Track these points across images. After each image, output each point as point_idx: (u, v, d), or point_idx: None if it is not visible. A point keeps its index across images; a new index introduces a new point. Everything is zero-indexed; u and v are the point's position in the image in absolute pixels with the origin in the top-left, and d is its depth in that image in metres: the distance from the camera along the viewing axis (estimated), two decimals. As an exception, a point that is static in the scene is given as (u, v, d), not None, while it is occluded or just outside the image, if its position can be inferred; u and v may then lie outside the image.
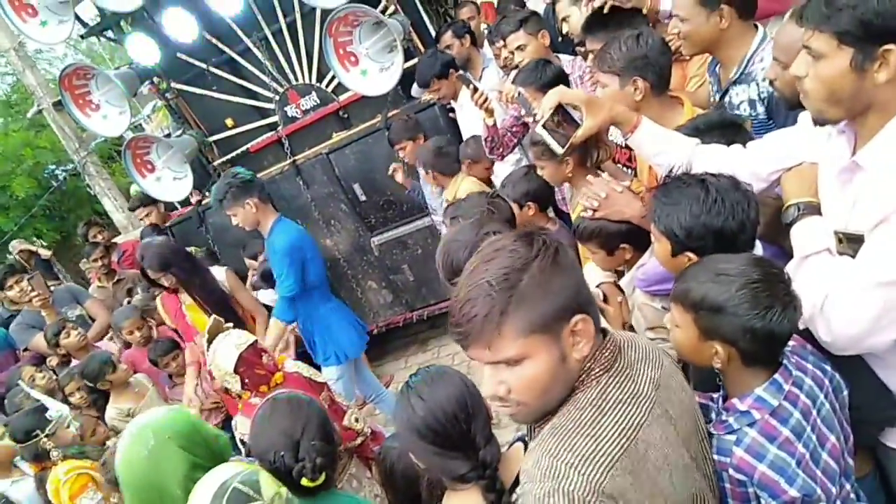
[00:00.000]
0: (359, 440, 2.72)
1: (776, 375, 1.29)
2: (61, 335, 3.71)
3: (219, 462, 1.58)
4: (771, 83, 1.86)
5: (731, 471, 1.26)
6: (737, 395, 1.32)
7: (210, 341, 2.51)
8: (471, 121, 3.75)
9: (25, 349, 4.40)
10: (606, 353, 1.12)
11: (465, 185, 3.48)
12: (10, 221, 10.78)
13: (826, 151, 1.43)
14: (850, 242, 1.33)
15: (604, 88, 2.13)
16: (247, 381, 2.48)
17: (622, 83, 2.06)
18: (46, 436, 2.86)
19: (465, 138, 3.90)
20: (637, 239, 2.11)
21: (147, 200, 5.14)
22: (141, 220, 4.91)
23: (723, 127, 1.85)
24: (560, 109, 1.79)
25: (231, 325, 2.68)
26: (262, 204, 3.34)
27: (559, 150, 1.80)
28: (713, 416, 1.38)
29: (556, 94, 1.81)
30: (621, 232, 2.03)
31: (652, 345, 1.24)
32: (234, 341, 2.52)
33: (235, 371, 2.44)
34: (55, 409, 3.01)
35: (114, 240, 5.74)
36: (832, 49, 1.21)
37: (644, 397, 1.10)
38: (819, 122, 1.36)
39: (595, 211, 1.93)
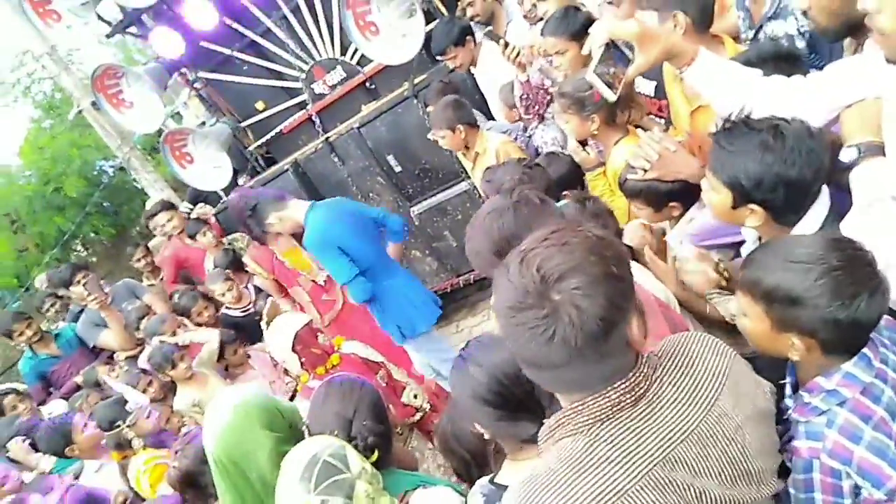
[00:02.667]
0: (418, 416, 2.77)
1: (864, 350, 1.17)
2: (143, 320, 3.89)
3: (295, 433, 1.66)
4: (804, 13, 1.71)
5: (823, 457, 1.14)
6: (814, 376, 1.21)
7: (268, 324, 2.59)
8: (494, 86, 3.62)
9: (94, 346, 4.60)
10: (603, 403, 0.97)
11: (493, 136, 3.32)
12: (68, 221, 11.24)
13: (893, 86, 1.30)
14: None
15: None
16: (304, 360, 2.56)
17: (661, 19, 1.93)
18: (128, 426, 3.01)
19: (490, 104, 3.79)
20: (688, 196, 2.01)
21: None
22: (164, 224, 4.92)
23: (777, 59, 1.71)
24: (609, 47, 1.59)
25: (288, 308, 2.75)
26: (281, 212, 3.18)
27: (612, 96, 1.63)
28: (788, 402, 1.27)
29: (605, 30, 1.57)
30: (672, 191, 1.95)
31: (723, 358, 1.08)
32: (290, 322, 2.59)
33: (293, 350, 2.52)
34: (135, 400, 3.15)
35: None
36: None
37: (645, 456, 0.97)
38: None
39: (646, 171, 1.83)
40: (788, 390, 1.30)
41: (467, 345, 1.50)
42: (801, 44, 1.96)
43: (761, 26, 2.07)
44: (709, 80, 1.60)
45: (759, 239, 1.53)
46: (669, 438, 0.98)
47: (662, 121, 2.35)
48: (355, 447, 1.52)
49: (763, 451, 1.07)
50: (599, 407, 0.98)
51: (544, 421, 1.34)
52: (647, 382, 1.01)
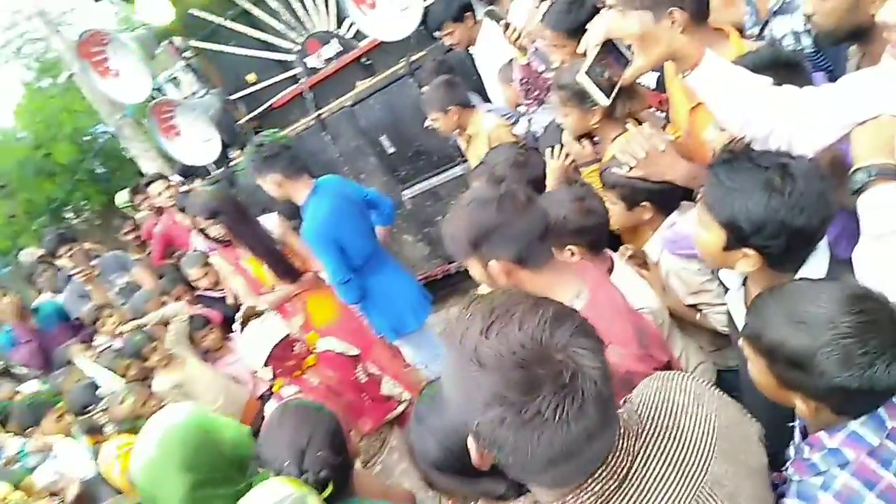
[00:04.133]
0: (399, 409, 2.68)
1: (879, 409, 1.03)
2: (97, 322, 3.76)
3: (234, 469, 1.55)
4: (808, 18, 1.59)
5: None
6: (821, 427, 1.09)
7: (243, 325, 2.47)
8: (492, 67, 3.45)
9: (77, 318, 4.50)
10: (586, 498, 0.86)
11: (489, 118, 3.20)
12: (59, 188, 11.06)
13: None
14: None
15: None
16: (278, 370, 2.47)
17: (657, 17, 1.77)
18: (101, 411, 2.92)
19: (487, 86, 3.63)
20: (664, 199, 1.91)
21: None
22: (160, 193, 4.78)
23: (776, 67, 1.54)
24: (606, 45, 1.46)
25: (263, 311, 2.62)
26: (287, 179, 2.93)
27: (605, 101, 1.51)
28: (791, 453, 1.16)
29: (603, 28, 1.44)
30: (650, 190, 1.84)
31: (709, 409, 0.98)
32: (265, 335, 2.48)
33: (266, 364, 2.43)
34: (108, 385, 3.05)
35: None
36: None
37: None
38: None
39: (632, 168, 1.71)
40: (797, 436, 1.18)
41: (422, 396, 1.38)
42: (806, 41, 1.84)
43: (767, 22, 1.94)
44: (713, 87, 1.45)
45: (744, 283, 1.41)
46: None
47: (663, 115, 2.22)
48: (306, 480, 1.42)
49: None
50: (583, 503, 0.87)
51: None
52: (630, 458, 0.89)
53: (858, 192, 1.20)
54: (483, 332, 0.79)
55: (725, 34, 1.86)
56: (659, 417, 0.95)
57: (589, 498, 0.86)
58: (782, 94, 1.40)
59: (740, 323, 1.39)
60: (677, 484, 0.89)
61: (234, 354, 3.45)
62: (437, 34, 3.65)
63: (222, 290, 3.83)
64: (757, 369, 1.12)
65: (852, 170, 1.23)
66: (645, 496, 0.87)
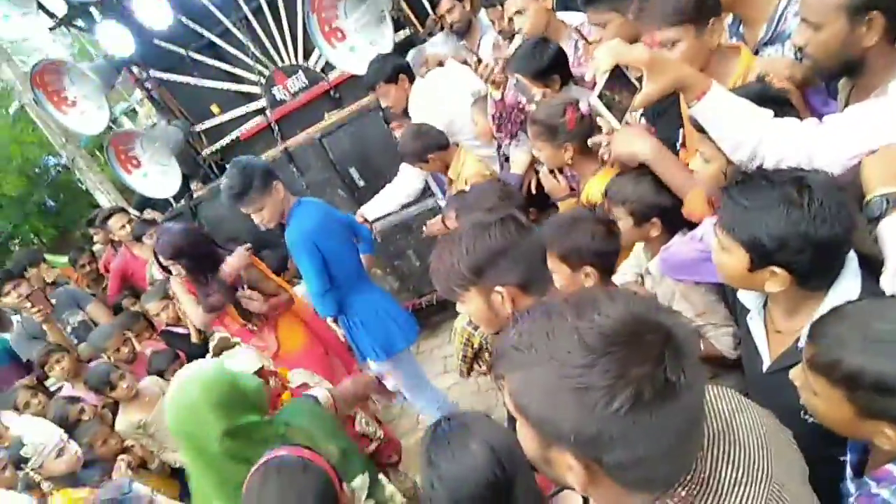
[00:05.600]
0: (373, 446, 2.57)
1: None
2: (45, 367, 3.51)
3: (255, 411, 1.74)
4: (799, 50, 1.57)
5: None
6: (888, 460, 1.04)
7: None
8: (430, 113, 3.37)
9: (28, 360, 4.24)
10: None
11: (469, 160, 3.22)
12: (6, 220, 10.58)
13: None
14: None
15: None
16: None
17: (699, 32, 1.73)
18: (31, 469, 2.68)
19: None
20: (671, 217, 1.89)
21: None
22: (122, 227, 4.58)
23: (763, 102, 1.52)
24: (615, 71, 1.47)
25: (238, 341, 2.50)
26: (285, 189, 2.88)
27: (617, 124, 1.53)
28: (850, 487, 1.11)
29: (612, 53, 1.44)
30: (657, 204, 1.84)
31: (753, 414, 0.95)
32: (239, 368, 2.35)
33: None
34: (35, 441, 2.78)
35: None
36: None
37: None
38: None
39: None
40: (849, 471, 1.13)
41: (436, 431, 1.33)
42: (798, 71, 1.85)
43: (757, 52, 1.95)
44: (718, 119, 1.45)
45: (764, 307, 1.38)
46: None
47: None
48: None
49: None
50: None
51: None
52: (703, 462, 0.86)
53: (877, 219, 1.18)
54: (579, 318, 0.74)
55: (737, 50, 1.84)
56: (712, 424, 0.91)
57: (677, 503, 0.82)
58: (787, 126, 1.39)
59: (762, 347, 1.37)
60: (749, 486, 0.86)
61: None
62: (371, 93, 3.58)
63: (185, 325, 3.67)
64: (827, 400, 1.06)
65: (866, 199, 1.21)
66: (723, 500, 0.84)
